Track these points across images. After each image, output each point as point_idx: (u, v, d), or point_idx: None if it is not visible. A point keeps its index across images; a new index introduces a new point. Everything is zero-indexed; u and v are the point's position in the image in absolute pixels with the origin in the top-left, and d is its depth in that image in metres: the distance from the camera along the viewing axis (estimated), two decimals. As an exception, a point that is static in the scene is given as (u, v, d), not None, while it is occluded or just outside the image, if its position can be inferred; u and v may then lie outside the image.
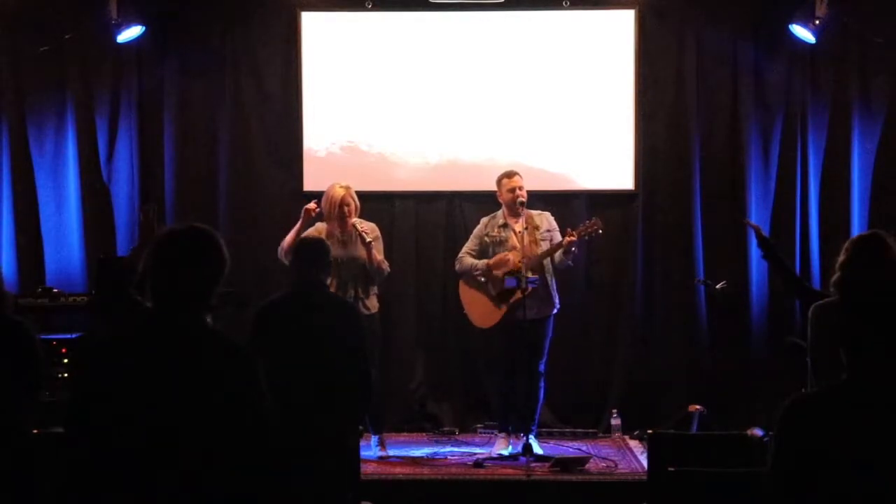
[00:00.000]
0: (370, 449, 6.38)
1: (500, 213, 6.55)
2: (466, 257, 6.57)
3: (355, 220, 6.26)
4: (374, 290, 6.39)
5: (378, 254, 6.27)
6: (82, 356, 2.72)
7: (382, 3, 7.47)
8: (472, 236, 6.66)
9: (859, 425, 2.43)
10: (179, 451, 2.50)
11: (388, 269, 6.39)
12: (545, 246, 6.40)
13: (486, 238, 6.53)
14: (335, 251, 6.20)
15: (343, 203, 6.27)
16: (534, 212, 6.53)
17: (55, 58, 7.41)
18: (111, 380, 2.57)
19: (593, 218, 6.41)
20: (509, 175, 6.48)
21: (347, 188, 6.33)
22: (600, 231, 6.34)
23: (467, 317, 6.63)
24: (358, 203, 6.36)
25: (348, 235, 6.28)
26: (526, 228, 6.29)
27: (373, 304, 6.36)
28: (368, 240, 6.16)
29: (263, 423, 2.58)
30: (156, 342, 2.59)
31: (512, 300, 6.33)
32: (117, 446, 2.52)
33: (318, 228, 6.35)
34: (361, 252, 6.22)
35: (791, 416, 2.50)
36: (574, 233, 6.27)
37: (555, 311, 6.50)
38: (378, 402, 6.38)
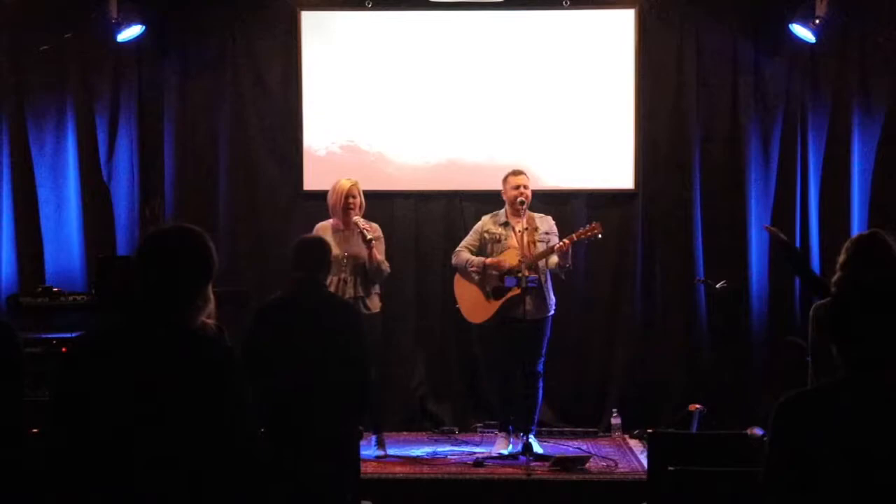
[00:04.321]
0: (370, 449, 6.38)
1: (502, 211, 6.55)
2: (464, 252, 6.56)
3: (358, 217, 6.26)
4: (376, 289, 6.39)
5: (379, 254, 6.27)
6: (66, 357, 2.70)
7: (382, 3, 7.47)
8: (472, 231, 6.65)
9: (854, 423, 2.43)
10: (161, 451, 2.48)
11: (388, 270, 6.38)
12: (542, 248, 6.38)
13: (485, 234, 6.53)
14: (337, 248, 6.21)
15: (348, 195, 6.28)
16: (536, 214, 6.53)
17: (55, 58, 7.41)
18: (92, 378, 2.56)
19: (594, 222, 6.38)
20: (515, 173, 6.49)
21: (354, 182, 6.36)
22: (600, 235, 6.33)
23: (459, 310, 6.62)
24: (363, 200, 6.36)
25: (350, 232, 6.29)
26: (526, 229, 6.29)
27: (374, 303, 6.36)
28: (369, 237, 6.15)
29: (245, 422, 2.57)
30: (138, 342, 2.58)
31: (505, 298, 6.34)
32: (98, 445, 2.50)
33: (324, 225, 6.36)
34: (363, 250, 6.22)
35: (785, 414, 2.50)
36: (569, 239, 6.24)
37: (551, 312, 6.49)
38: (377, 402, 6.39)
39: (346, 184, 6.33)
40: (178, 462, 2.49)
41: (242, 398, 2.57)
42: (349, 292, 6.22)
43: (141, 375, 2.53)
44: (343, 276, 6.25)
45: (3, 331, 3.93)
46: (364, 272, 6.26)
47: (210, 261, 2.67)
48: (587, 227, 6.33)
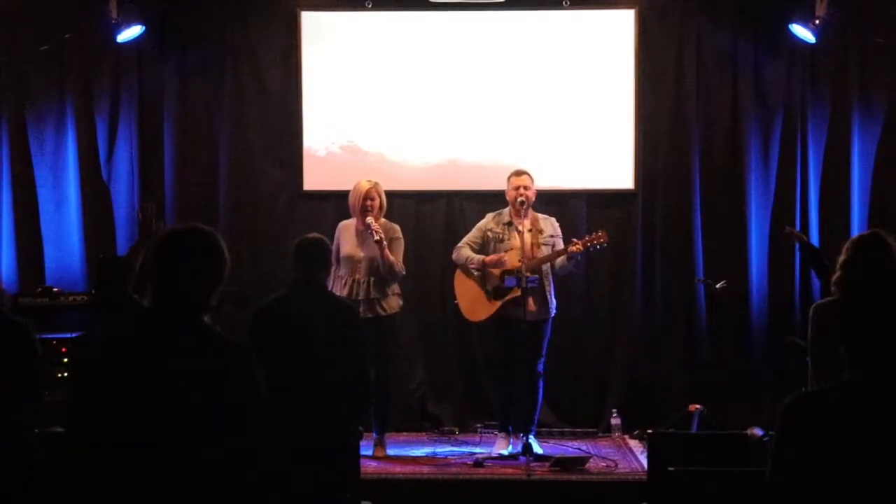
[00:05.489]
0: (370, 449, 6.37)
1: (506, 210, 6.53)
2: (465, 248, 6.56)
3: (370, 218, 6.25)
4: (394, 289, 6.38)
5: (393, 255, 6.25)
6: (82, 357, 2.70)
7: (382, 3, 7.47)
8: (475, 228, 6.65)
9: (861, 424, 2.43)
10: (180, 452, 2.50)
11: (403, 272, 6.37)
12: (545, 251, 6.39)
13: (488, 233, 6.53)
14: (355, 249, 6.22)
15: (367, 197, 6.27)
16: (540, 215, 6.53)
17: (55, 58, 7.41)
18: (111, 381, 2.57)
19: (600, 231, 6.37)
20: (517, 174, 6.48)
21: (375, 184, 6.35)
22: (605, 244, 6.34)
23: (458, 306, 6.63)
24: (384, 201, 6.36)
25: (367, 234, 6.28)
26: (530, 230, 6.29)
27: (391, 304, 6.35)
28: (377, 238, 6.14)
29: (264, 423, 2.58)
30: (156, 343, 2.59)
31: (505, 298, 6.34)
32: (118, 447, 2.52)
33: (347, 224, 6.37)
34: (377, 251, 6.22)
35: (792, 416, 2.49)
36: (579, 243, 6.26)
37: (552, 314, 6.49)
38: (383, 403, 6.39)
39: (364, 185, 6.33)
40: (199, 461, 2.49)
41: (262, 394, 2.59)
42: (362, 294, 6.23)
43: (161, 376, 2.53)
44: (357, 276, 6.26)
45: (20, 330, 3.94)
46: (379, 273, 6.26)
47: (223, 261, 2.69)
48: (594, 234, 6.33)
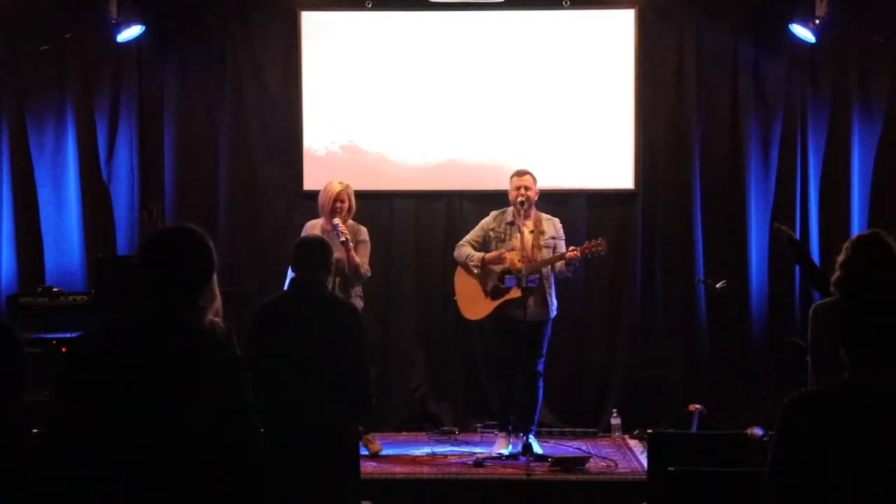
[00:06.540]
0: (365, 448, 6.36)
1: (510, 209, 6.52)
2: (466, 246, 6.56)
3: (338, 219, 6.22)
4: (357, 291, 6.35)
5: (359, 257, 6.20)
6: (69, 356, 2.70)
7: (382, 3, 7.47)
8: (477, 226, 6.64)
9: (860, 424, 2.43)
10: (164, 452, 2.48)
11: (368, 274, 6.31)
12: (546, 253, 6.39)
13: (490, 232, 6.53)
14: None
15: (337, 198, 6.24)
16: (544, 216, 6.53)
17: (55, 58, 7.41)
18: (96, 379, 2.56)
19: (599, 238, 6.36)
20: (519, 174, 6.47)
21: (346, 186, 6.31)
22: (603, 252, 6.34)
23: (456, 303, 6.62)
24: (353, 203, 6.32)
25: (333, 234, 6.26)
26: (532, 231, 6.29)
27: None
28: (342, 239, 6.10)
29: (248, 423, 2.57)
30: (141, 341, 2.58)
31: (504, 298, 6.34)
32: (100, 447, 2.50)
33: (315, 223, 6.36)
34: (343, 252, 6.20)
35: (791, 415, 2.49)
36: (577, 249, 6.26)
37: (553, 315, 6.49)
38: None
39: (336, 187, 6.29)
40: (181, 461, 2.49)
41: (246, 398, 2.58)
42: None
43: (145, 375, 2.53)
44: None
45: (3, 333, 3.91)
46: (343, 274, 6.22)
47: (209, 260, 2.68)
48: (593, 241, 6.33)
